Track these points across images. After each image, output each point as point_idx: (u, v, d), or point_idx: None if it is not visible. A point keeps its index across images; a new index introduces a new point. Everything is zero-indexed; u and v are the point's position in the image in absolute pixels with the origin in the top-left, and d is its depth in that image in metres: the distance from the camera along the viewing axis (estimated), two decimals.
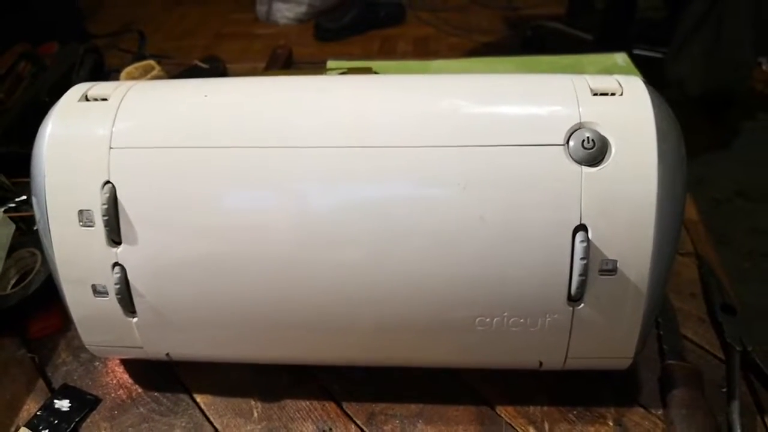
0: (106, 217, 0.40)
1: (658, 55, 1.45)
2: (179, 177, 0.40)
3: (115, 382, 0.48)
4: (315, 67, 0.82)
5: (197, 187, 0.40)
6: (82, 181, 0.41)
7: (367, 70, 0.74)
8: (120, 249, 0.40)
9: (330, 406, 0.46)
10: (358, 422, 0.44)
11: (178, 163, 0.40)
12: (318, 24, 1.47)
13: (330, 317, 0.42)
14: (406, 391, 0.46)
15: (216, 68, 0.81)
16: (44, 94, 0.69)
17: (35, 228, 0.58)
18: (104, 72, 0.79)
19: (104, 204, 0.39)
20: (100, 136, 0.41)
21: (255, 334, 0.43)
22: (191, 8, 1.59)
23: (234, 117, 0.42)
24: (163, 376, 0.48)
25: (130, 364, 0.49)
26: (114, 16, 1.38)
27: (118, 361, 0.49)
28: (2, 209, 0.60)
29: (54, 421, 0.45)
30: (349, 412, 0.45)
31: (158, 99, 0.44)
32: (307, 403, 0.46)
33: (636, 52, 1.51)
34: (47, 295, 0.51)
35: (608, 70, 0.84)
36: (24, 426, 0.45)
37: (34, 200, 0.42)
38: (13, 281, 0.55)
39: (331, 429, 0.44)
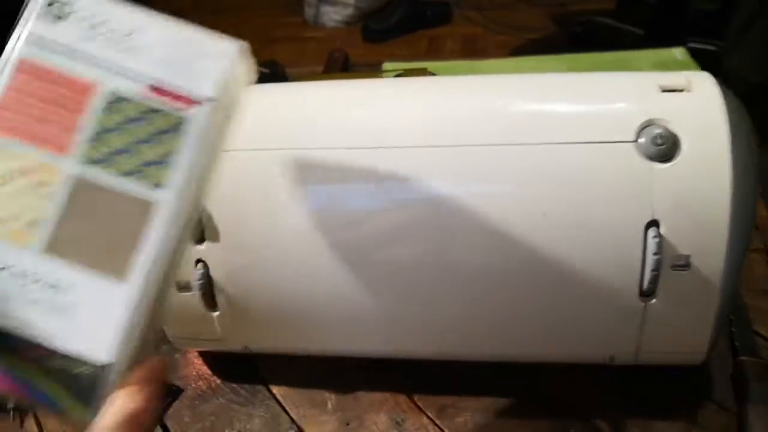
0: None
1: (713, 48, 1.42)
2: (260, 178, 0.42)
3: (195, 373, 0.50)
4: (371, 69, 0.84)
5: (277, 187, 0.42)
6: None
7: (423, 71, 0.75)
8: (203, 246, 0.42)
9: (401, 398, 0.47)
10: (430, 415, 0.46)
11: (259, 165, 0.42)
12: (365, 25, 1.48)
13: (403, 311, 0.43)
14: (476, 385, 0.47)
15: (276, 72, 0.83)
16: None
17: None
18: None
19: None
20: None
21: (330, 328, 0.45)
22: (240, 14, 1.63)
23: (319, 120, 0.43)
24: (241, 368, 0.50)
25: (209, 356, 0.51)
26: None
27: (197, 353, 0.52)
28: None
29: None
30: (420, 404, 0.46)
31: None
32: (380, 395, 0.47)
33: (690, 45, 1.48)
34: None
35: (664, 66, 0.83)
36: None
37: None
38: None
39: (403, 420, 0.45)
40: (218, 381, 0.49)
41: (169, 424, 0.47)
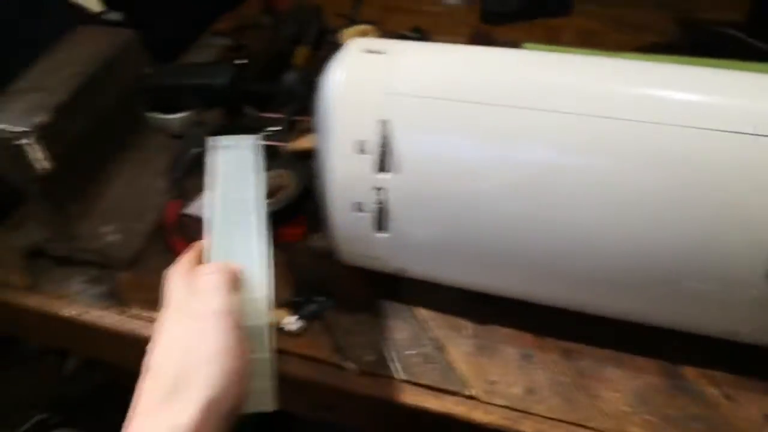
0: (381, 148, 0.48)
1: None
2: (442, 123, 0.48)
3: (349, 286, 0.58)
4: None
5: (457, 134, 0.48)
6: (361, 119, 0.49)
7: None
8: (385, 175, 0.49)
9: (528, 336, 0.53)
10: (555, 355, 0.51)
11: (441, 112, 0.48)
12: (485, 7, 1.51)
13: (549, 265, 0.48)
14: (597, 336, 0.52)
15: (420, 39, 0.88)
16: (284, 44, 0.80)
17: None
18: (324, 31, 0.89)
19: (380, 136, 0.48)
20: (379, 82, 0.50)
21: (482, 265, 0.51)
22: None
23: (493, 79, 0.49)
24: (388, 289, 0.57)
25: (362, 274, 0.58)
26: None
27: (352, 269, 0.58)
28: (258, 136, 0.71)
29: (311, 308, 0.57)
30: (545, 344, 0.52)
31: (428, 57, 0.52)
32: (510, 330, 0.53)
33: None
34: (294, 208, 0.62)
35: None
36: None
37: (318, 134, 0.52)
38: None
39: (532, 355, 0.51)
40: (370, 296, 0.57)
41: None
